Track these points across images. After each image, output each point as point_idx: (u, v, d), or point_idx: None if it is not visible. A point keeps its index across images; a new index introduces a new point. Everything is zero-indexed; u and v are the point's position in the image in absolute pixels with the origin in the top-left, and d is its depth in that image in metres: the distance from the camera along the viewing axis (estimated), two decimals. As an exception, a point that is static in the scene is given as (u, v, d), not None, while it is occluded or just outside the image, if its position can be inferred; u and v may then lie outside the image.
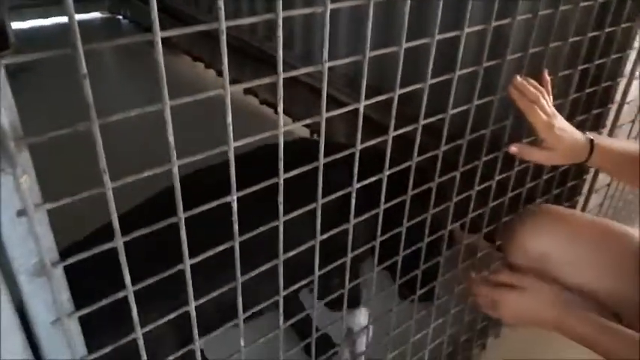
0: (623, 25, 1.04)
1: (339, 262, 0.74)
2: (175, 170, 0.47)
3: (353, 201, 0.68)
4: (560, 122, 0.85)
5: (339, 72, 2.00)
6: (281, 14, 0.46)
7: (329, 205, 0.64)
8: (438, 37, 0.63)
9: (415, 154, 0.74)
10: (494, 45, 0.77)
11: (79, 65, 0.37)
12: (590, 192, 1.31)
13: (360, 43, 1.88)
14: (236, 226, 0.55)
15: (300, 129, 2.27)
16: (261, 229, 0.59)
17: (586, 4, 0.89)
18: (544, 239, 0.99)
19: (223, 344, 0.70)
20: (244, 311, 0.64)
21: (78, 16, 0.35)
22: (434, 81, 0.68)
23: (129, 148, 1.69)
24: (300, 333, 1.23)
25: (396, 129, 0.67)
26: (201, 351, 0.64)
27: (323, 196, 0.63)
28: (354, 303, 1.11)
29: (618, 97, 1.18)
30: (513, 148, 0.85)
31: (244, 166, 0.61)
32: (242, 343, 0.66)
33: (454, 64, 0.70)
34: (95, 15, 4.29)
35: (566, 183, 1.22)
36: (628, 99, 1.19)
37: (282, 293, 0.68)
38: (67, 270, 0.46)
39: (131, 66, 3.20)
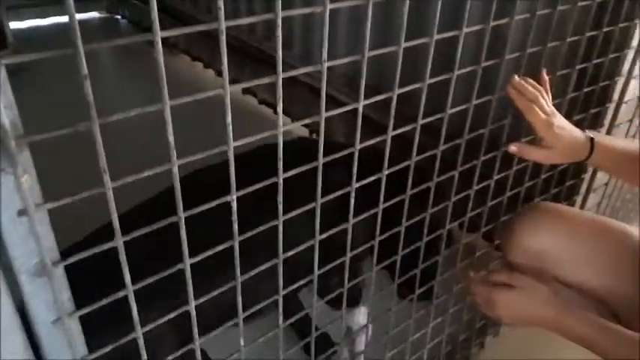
0: (621, 25, 1.05)
1: (338, 261, 0.74)
2: (175, 170, 0.47)
3: (352, 200, 0.68)
4: (560, 120, 0.85)
5: (339, 72, 2.00)
6: (280, 14, 0.46)
7: (328, 204, 0.64)
8: (436, 36, 0.63)
9: (414, 153, 0.74)
10: (493, 45, 0.77)
11: (80, 65, 0.37)
12: (588, 191, 1.31)
13: (359, 43, 1.88)
14: (236, 226, 0.55)
15: (299, 129, 2.27)
16: (261, 228, 0.59)
17: (584, 3, 0.89)
18: (542, 237, 0.99)
19: (223, 344, 0.70)
20: (244, 311, 0.64)
21: (77, 16, 0.35)
22: (432, 81, 0.68)
23: (129, 148, 1.69)
24: (300, 332, 1.23)
25: (394, 128, 0.67)
26: (204, 351, 0.64)
27: (322, 196, 0.63)
28: (354, 302, 1.11)
29: (616, 96, 1.18)
30: (513, 148, 0.85)
31: (244, 165, 0.61)
32: (242, 343, 0.66)
33: (453, 64, 0.71)
34: (93, 15, 4.28)
35: (564, 182, 1.22)
36: (626, 98, 1.19)
37: (282, 292, 0.68)
38: (68, 270, 0.46)
39: (130, 66, 3.19)
